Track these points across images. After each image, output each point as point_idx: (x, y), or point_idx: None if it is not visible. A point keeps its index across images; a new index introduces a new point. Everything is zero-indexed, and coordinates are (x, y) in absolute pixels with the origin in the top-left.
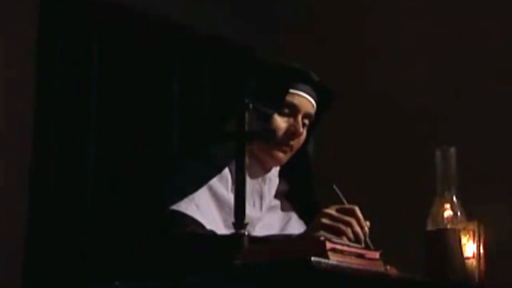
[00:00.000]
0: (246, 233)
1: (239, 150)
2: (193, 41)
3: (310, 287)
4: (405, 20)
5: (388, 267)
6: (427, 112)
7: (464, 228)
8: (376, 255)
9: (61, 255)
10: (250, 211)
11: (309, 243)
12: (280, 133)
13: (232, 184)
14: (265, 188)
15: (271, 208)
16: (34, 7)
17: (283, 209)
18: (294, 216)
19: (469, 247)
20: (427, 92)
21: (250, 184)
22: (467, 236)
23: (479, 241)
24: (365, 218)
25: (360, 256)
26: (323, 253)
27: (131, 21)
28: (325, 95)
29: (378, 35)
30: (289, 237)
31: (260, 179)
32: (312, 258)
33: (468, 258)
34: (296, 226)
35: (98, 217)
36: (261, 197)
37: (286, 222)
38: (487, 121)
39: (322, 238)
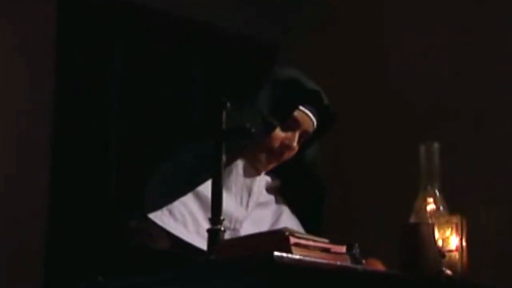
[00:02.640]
0: (222, 228)
1: (216, 148)
2: (217, 40)
3: (275, 282)
4: (423, 20)
5: (364, 261)
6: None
7: (447, 222)
8: (343, 249)
9: (81, 252)
10: (236, 209)
11: (273, 238)
12: (275, 144)
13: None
14: (255, 186)
15: (261, 204)
16: (52, 6)
17: (274, 205)
18: (286, 211)
19: (452, 241)
20: (445, 89)
21: (240, 180)
22: (450, 229)
23: (461, 234)
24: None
25: (326, 250)
26: (287, 248)
27: (152, 20)
28: (330, 117)
29: (396, 34)
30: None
31: (249, 180)
32: (275, 253)
33: (451, 251)
34: (287, 221)
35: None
36: (249, 194)
37: (277, 218)
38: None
39: (286, 233)
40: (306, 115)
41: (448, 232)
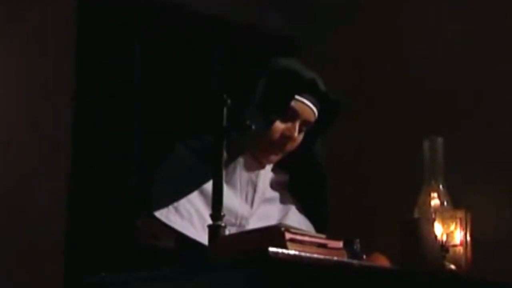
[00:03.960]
0: (223, 224)
1: (217, 144)
2: (236, 33)
3: (270, 277)
4: (444, 9)
5: (365, 256)
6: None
7: (451, 216)
8: (340, 244)
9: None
10: (241, 204)
11: (268, 233)
12: (276, 135)
13: (226, 178)
14: (260, 181)
15: (268, 200)
16: (71, 7)
17: (282, 201)
18: (292, 208)
19: (457, 235)
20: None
21: (245, 176)
22: (454, 224)
23: (466, 229)
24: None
25: (322, 245)
26: (282, 243)
27: (172, 16)
28: (332, 105)
29: (416, 25)
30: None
31: (255, 172)
32: (270, 249)
33: (455, 245)
34: (294, 218)
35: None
36: (255, 190)
37: (285, 214)
38: None
39: (282, 229)
40: (305, 105)
41: (452, 227)
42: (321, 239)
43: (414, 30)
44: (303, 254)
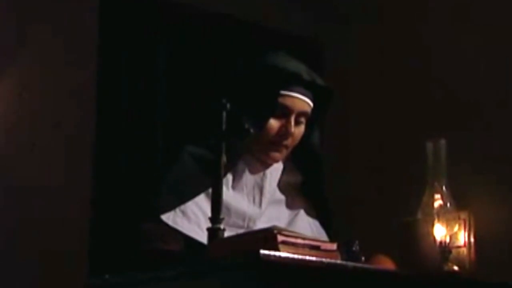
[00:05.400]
0: (222, 227)
1: (216, 148)
2: (260, 36)
3: (262, 279)
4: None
5: (363, 258)
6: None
7: (455, 218)
8: (333, 246)
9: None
10: (248, 207)
11: (262, 236)
12: (272, 133)
13: (233, 182)
14: (266, 183)
15: (277, 201)
16: (93, 7)
17: (292, 203)
18: (301, 212)
19: (460, 236)
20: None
21: (250, 180)
22: (458, 225)
23: (469, 230)
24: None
25: (315, 248)
26: (274, 246)
27: (194, 17)
28: (323, 91)
29: (439, 27)
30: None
31: (261, 174)
32: (261, 251)
33: (459, 246)
34: (303, 221)
35: None
36: (261, 192)
37: (293, 217)
38: None
39: (274, 231)
40: (293, 97)
41: (456, 228)
42: (314, 241)
43: (435, 33)
44: (294, 256)
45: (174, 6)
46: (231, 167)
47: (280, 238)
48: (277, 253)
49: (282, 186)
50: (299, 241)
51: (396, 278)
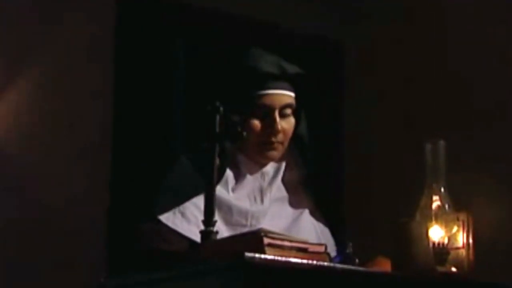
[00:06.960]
0: (215, 230)
1: (210, 151)
2: (281, 38)
3: (248, 282)
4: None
5: (357, 260)
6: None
7: (453, 219)
8: (321, 248)
9: None
10: (251, 206)
11: (249, 238)
12: (260, 134)
13: (235, 184)
14: (265, 183)
15: (280, 199)
16: (110, 8)
17: (295, 201)
18: (306, 212)
19: (459, 238)
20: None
21: (249, 181)
22: (456, 226)
23: (468, 231)
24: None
25: (303, 250)
26: (260, 248)
27: (212, 18)
28: (300, 79)
29: (460, 28)
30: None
31: (258, 175)
32: (246, 254)
33: (458, 248)
34: (304, 223)
35: None
36: (261, 192)
37: (298, 215)
38: None
39: (261, 234)
40: (270, 95)
41: (454, 229)
42: (301, 243)
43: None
44: (279, 258)
45: (192, 7)
46: (231, 169)
47: (266, 240)
48: (262, 256)
49: (286, 183)
50: (286, 243)
51: (389, 280)
